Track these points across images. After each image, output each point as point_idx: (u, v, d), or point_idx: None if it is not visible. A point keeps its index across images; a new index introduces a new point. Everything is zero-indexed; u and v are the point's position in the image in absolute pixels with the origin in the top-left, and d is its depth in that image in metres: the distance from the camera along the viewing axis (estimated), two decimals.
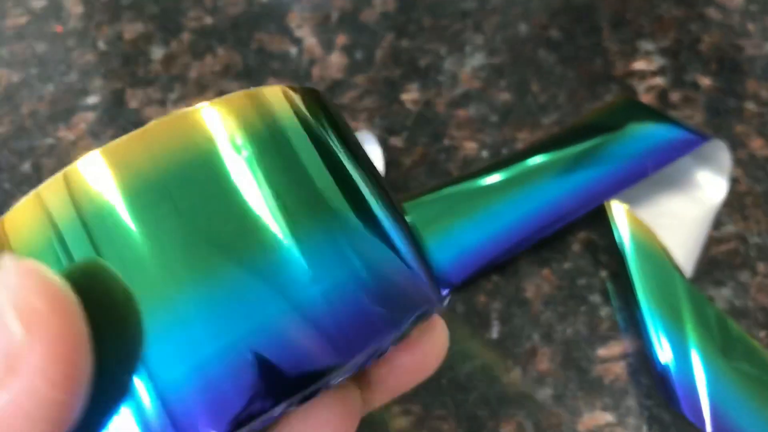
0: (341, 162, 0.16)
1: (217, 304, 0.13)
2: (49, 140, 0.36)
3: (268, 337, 0.13)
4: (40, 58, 0.39)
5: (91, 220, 0.13)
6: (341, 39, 0.39)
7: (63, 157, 0.35)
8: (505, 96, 0.37)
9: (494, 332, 0.30)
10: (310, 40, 0.39)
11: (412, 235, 0.16)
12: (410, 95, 0.37)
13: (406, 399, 0.28)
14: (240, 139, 0.14)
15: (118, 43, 0.39)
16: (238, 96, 0.15)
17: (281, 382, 0.13)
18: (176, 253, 0.13)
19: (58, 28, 0.40)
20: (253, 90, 0.15)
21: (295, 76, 0.38)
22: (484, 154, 0.35)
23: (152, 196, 0.13)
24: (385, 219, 0.16)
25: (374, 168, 0.17)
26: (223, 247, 0.13)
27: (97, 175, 0.14)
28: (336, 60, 0.39)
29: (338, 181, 0.15)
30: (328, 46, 0.39)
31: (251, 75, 0.38)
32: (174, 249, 0.13)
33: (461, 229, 0.32)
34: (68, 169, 0.14)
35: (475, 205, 0.32)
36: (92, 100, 0.37)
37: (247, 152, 0.14)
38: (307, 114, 0.16)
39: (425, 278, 0.16)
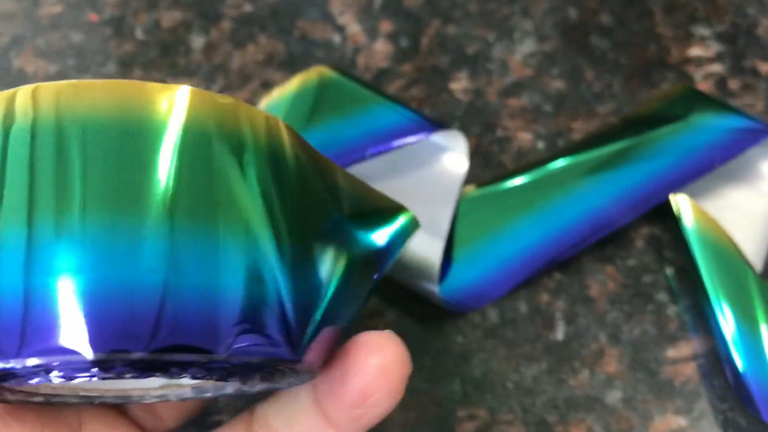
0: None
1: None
2: None
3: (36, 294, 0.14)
4: (76, 49, 0.37)
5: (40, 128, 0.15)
6: (385, 26, 0.38)
7: None
8: (558, 84, 0.35)
9: (559, 333, 0.28)
10: (354, 28, 0.38)
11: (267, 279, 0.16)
12: (459, 84, 0.35)
13: (471, 403, 0.27)
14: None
15: (156, 32, 0.38)
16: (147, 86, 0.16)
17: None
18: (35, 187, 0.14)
19: (93, 17, 0.38)
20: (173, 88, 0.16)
21: (340, 65, 0.36)
22: (540, 145, 0.33)
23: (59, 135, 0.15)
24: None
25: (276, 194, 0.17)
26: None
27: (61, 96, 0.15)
28: (381, 48, 0.37)
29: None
30: (371, 33, 0.37)
31: (295, 64, 0.36)
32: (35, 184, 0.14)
33: (519, 228, 0.30)
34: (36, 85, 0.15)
35: (532, 202, 0.31)
36: None
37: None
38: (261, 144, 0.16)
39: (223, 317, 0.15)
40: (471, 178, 0.32)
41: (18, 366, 0.14)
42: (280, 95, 0.31)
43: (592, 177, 0.31)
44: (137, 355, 0.14)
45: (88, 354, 0.14)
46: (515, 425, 0.27)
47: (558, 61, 0.36)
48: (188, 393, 0.19)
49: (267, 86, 0.36)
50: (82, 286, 0.14)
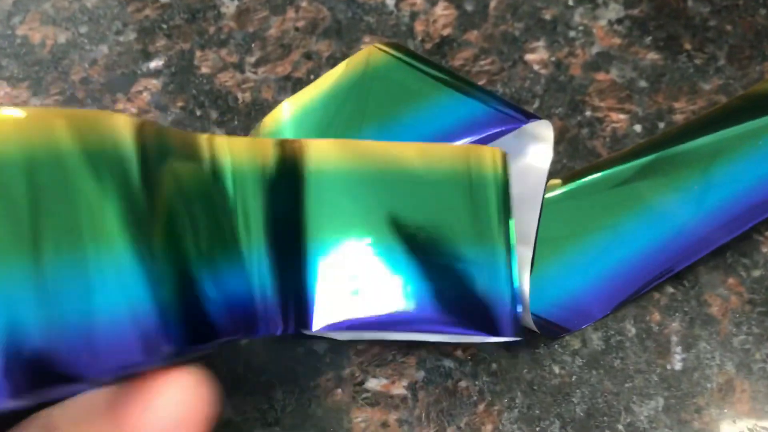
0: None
1: None
2: None
3: None
4: (90, 14, 0.31)
5: None
6: None
7: None
8: (653, 56, 0.29)
9: (676, 361, 0.23)
10: None
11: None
12: (536, 55, 0.29)
13: None
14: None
15: None
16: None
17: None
18: None
19: None
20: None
21: (396, 33, 0.30)
22: (637, 128, 0.27)
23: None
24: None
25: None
26: None
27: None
28: (442, 12, 0.31)
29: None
30: None
31: (342, 32, 0.30)
32: None
33: (620, 232, 0.25)
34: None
35: (635, 200, 0.25)
36: (155, 64, 0.30)
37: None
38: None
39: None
40: (557, 168, 0.26)
41: None
42: (321, 91, 0.25)
43: (707, 168, 0.25)
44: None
45: None
46: None
47: (650, 28, 0.30)
48: None
49: (310, 58, 0.30)
50: None
